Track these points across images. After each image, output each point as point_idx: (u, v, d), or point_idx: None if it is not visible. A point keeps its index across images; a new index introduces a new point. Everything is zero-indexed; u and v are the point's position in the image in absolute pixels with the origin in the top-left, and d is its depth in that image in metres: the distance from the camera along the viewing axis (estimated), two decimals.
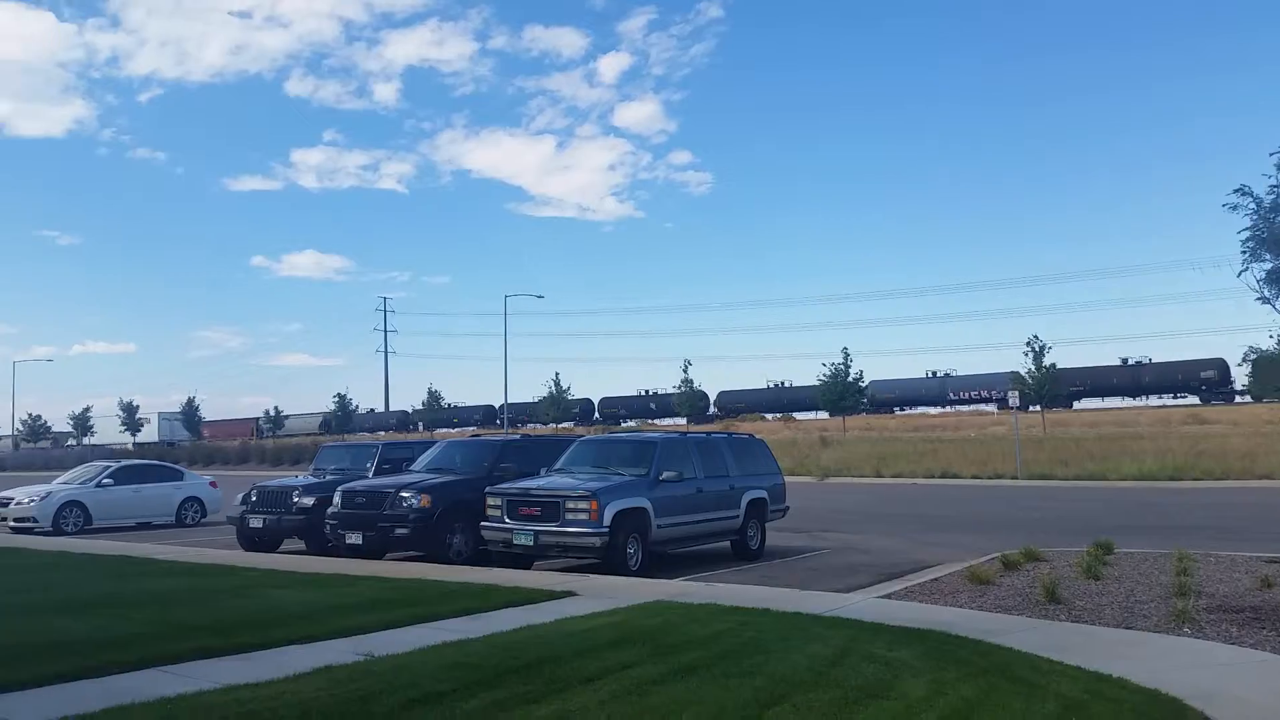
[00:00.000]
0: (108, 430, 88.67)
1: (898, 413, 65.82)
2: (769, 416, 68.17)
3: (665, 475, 12.97)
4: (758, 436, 16.68)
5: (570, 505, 12.11)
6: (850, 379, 55.53)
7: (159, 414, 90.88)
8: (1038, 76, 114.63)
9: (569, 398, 70.45)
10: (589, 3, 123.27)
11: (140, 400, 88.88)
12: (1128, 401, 61.00)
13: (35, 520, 20.37)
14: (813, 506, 22.93)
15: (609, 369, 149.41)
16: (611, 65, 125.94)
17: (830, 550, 15.22)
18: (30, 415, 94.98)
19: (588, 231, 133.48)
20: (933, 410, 65.58)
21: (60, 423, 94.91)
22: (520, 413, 73.56)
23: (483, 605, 9.12)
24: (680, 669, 6.29)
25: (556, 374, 72.47)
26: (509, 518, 12.61)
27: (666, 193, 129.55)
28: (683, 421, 65.40)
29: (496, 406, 74.57)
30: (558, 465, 13.94)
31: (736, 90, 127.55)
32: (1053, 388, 48.99)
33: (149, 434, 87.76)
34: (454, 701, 5.51)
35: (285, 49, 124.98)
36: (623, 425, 67.08)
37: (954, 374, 66.20)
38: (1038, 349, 48.48)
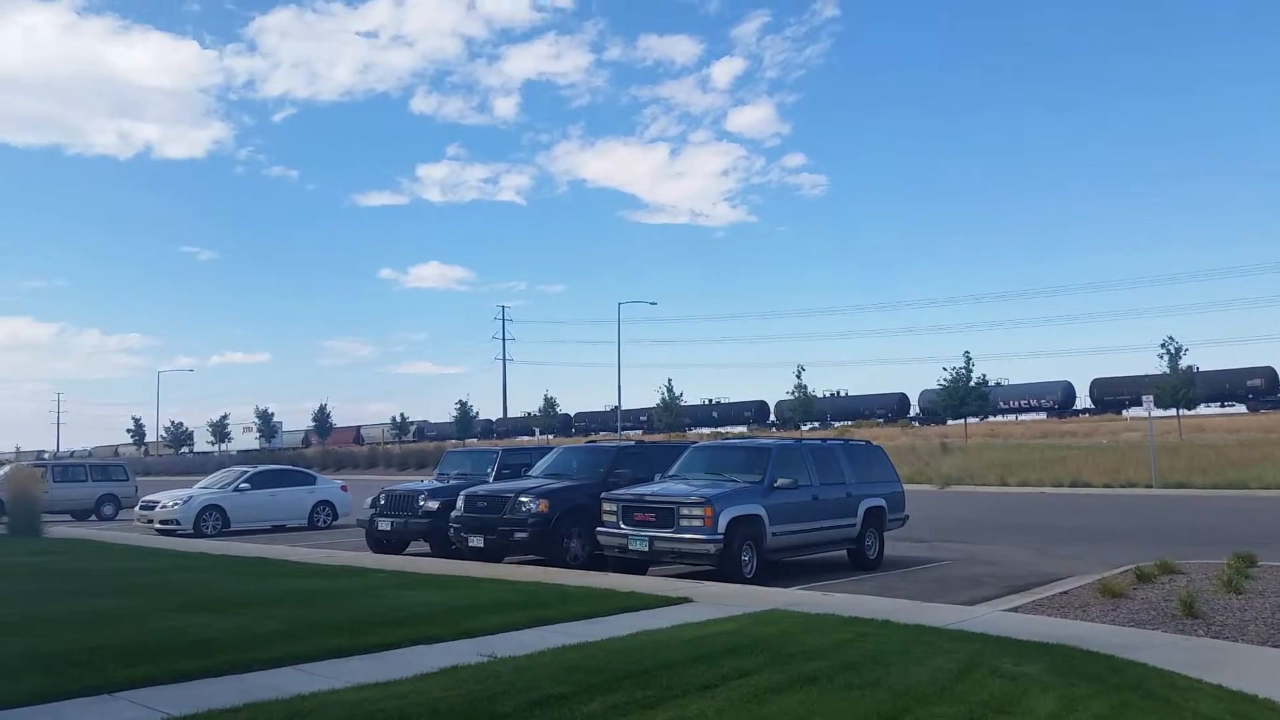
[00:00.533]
0: (238, 436, 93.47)
1: (1020, 419, 63.72)
2: (883, 422, 66.90)
3: (780, 482, 12.87)
4: (875, 443, 16.41)
5: (685, 511, 12.14)
6: (972, 383, 54.07)
7: (243, 426, 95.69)
8: (1169, 68, 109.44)
9: (682, 403, 70.53)
10: (703, 9, 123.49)
11: (275, 407, 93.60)
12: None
13: (178, 523, 21.51)
14: (933, 516, 22.39)
15: (723, 375, 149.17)
16: (725, 70, 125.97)
17: (952, 561, 14.84)
18: (173, 422, 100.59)
19: (700, 237, 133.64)
20: (1056, 416, 63.18)
21: (200, 429, 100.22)
22: (634, 419, 74.03)
23: (600, 610, 9.23)
24: (799, 678, 6.25)
25: (669, 380, 72.85)
26: (624, 523, 12.72)
27: (780, 196, 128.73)
28: (798, 428, 64.69)
29: (612, 410, 75.23)
30: (672, 472, 13.99)
31: (852, 90, 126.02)
32: (1189, 392, 46.64)
33: (245, 443, 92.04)
34: (574, 704, 5.60)
35: (410, 67, 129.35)
36: (734, 432, 66.82)
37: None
38: (1173, 351, 46.30)
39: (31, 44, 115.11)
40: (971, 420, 55.92)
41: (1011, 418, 61.68)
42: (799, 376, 62.82)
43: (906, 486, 16.29)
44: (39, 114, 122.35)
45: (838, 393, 73.38)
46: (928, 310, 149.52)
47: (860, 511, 14.09)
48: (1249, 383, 56.58)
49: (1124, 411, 59.37)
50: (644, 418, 73.67)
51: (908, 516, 15.60)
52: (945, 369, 55.18)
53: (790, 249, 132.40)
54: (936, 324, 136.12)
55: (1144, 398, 35.42)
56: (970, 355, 54.78)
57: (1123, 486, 32.65)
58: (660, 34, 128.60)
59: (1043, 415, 58.37)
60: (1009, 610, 9.83)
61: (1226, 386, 56.99)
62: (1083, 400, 65.10)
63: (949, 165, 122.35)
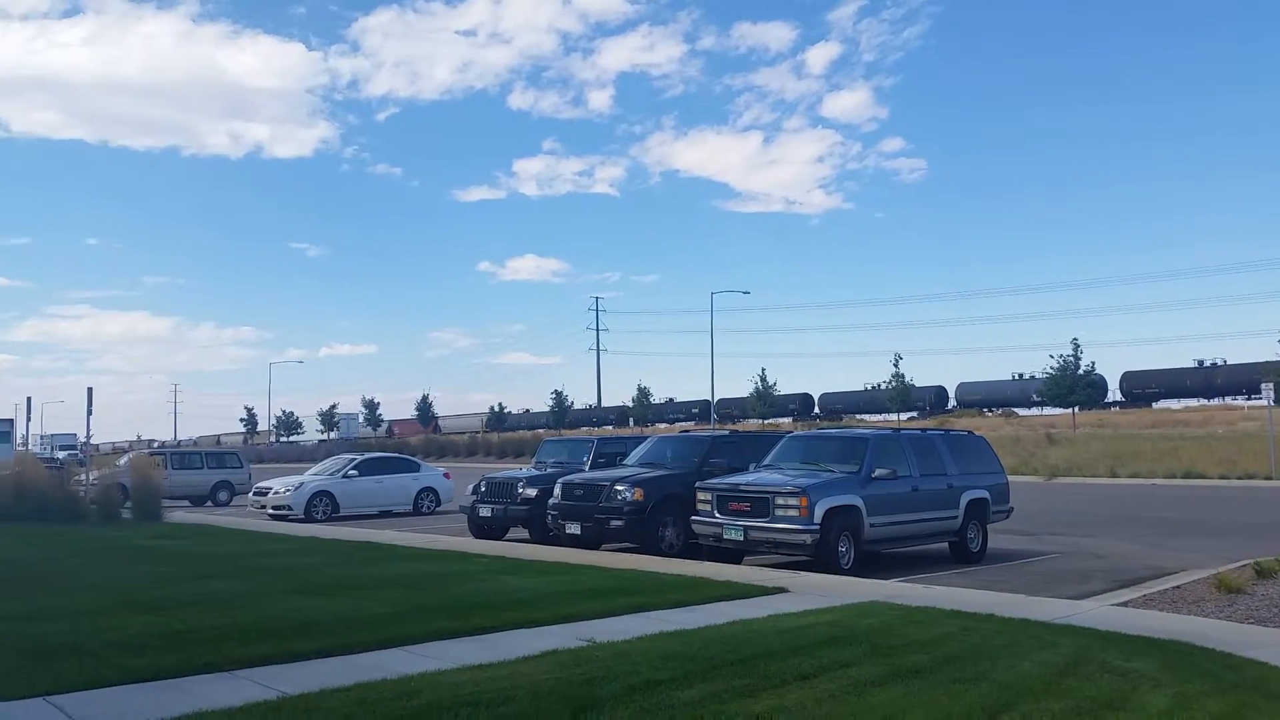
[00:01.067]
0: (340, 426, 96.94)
1: (1155, 406, 61.32)
2: (989, 412, 65.21)
3: (878, 473, 12.71)
4: (978, 433, 16.05)
5: (780, 501, 12.09)
6: (1081, 370, 52.34)
7: (342, 415, 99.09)
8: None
9: (777, 393, 70.01)
10: None
11: (380, 397, 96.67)
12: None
13: (290, 508, 22.33)
14: (1039, 508, 21.80)
15: (822, 363, 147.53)
16: (820, 55, 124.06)
17: (1059, 554, 14.44)
18: (284, 411, 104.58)
19: (794, 225, 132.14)
20: (1189, 403, 60.47)
21: (309, 418, 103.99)
22: (730, 408, 73.79)
23: (696, 598, 9.28)
24: (901, 671, 6.18)
25: (762, 369, 72.42)
26: (719, 512, 12.73)
27: (877, 182, 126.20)
28: (899, 418, 63.57)
29: (708, 401, 75.19)
30: (766, 461, 13.93)
31: (952, 72, 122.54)
32: None
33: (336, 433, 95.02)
34: (672, 690, 5.66)
35: (507, 64, 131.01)
36: (843, 421, 65.93)
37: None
38: None
39: (151, 52, 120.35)
40: (1079, 410, 54.07)
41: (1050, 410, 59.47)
42: (896, 365, 61.82)
43: (1011, 478, 15.89)
44: (157, 118, 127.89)
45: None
46: (1039, 295, 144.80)
47: (962, 503, 13.81)
48: None
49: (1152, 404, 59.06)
50: (736, 411, 73.30)
51: (1012, 508, 15.23)
52: (1053, 356, 53.61)
53: (887, 235, 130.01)
54: (1047, 310, 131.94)
55: (1264, 386, 33.74)
56: (1078, 342, 53.10)
57: (1239, 478, 31.24)
58: (754, 21, 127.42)
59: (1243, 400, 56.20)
60: (1118, 605, 9.55)
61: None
62: (1113, 393, 62.74)
63: (1053, 146, 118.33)
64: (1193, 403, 59.49)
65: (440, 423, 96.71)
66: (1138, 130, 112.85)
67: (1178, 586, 10.57)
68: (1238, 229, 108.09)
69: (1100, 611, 8.99)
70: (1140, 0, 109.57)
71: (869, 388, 72.12)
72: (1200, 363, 60.29)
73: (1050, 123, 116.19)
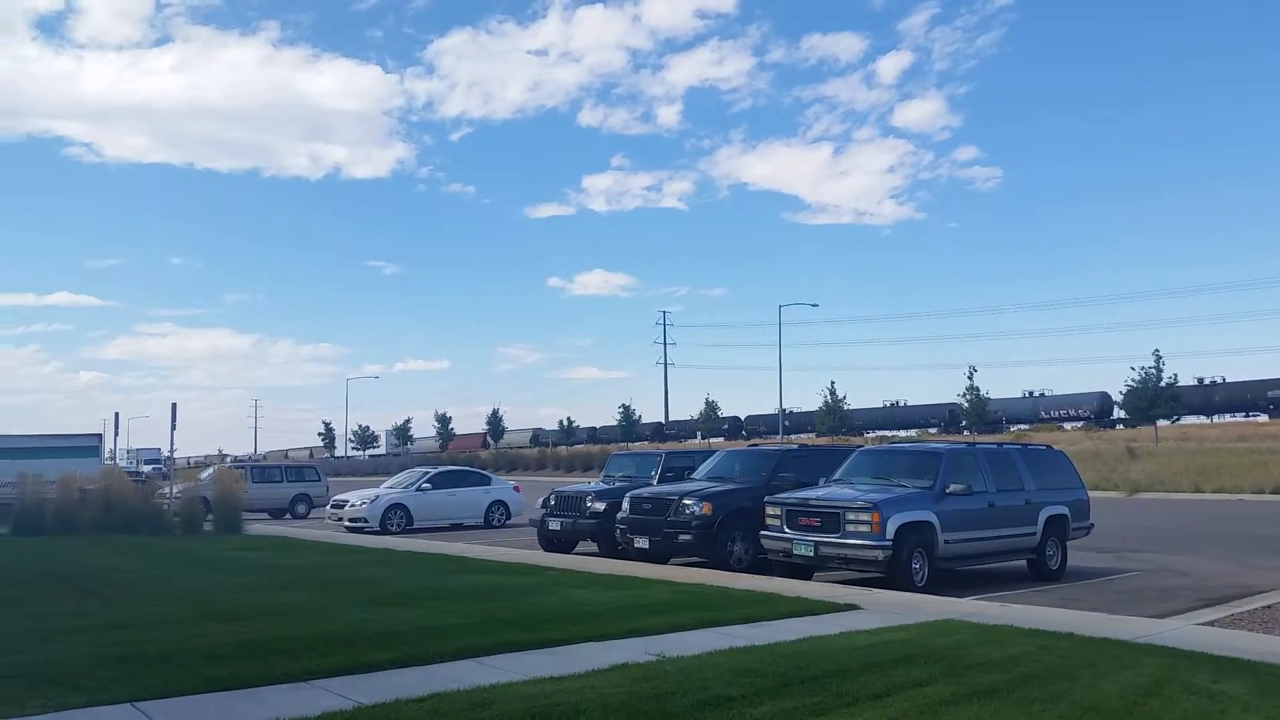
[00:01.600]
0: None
1: (1216, 420, 59.54)
2: (1068, 426, 63.63)
3: (952, 488, 12.47)
4: (1056, 447, 15.68)
5: (851, 517, 11.94)
6: (1163, 383, 50.82)
7: (385, 431, 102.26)
8: None
9: (845, 407, 69.25)
10: (868, 5, 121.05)
11: (452, 411, 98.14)
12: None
13: (366, 520, 22.75)
14: (1120, 524, 21.18)
15: (892, 376, 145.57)
16: (891, 65, 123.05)
17: (1141, 572, 14.01)
18: (360, 426, 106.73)
19: (865, 237, 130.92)
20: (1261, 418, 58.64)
21: (386, 432, 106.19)
22: (797, 422, 73.18)
23: (766, 613, 9.20)
24: (977, 691, 6.06)
25: (831, 383, 71.79)
26: (788, 528, 12.62)
27: (950, 191, 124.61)
28: (966, 432, 62.42)
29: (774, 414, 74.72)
30: (836, 476, 13.76)
31: (1027, 78, 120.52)
32: None
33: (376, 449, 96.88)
34: (743, 707, 5.62)
35: (577, 82, 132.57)
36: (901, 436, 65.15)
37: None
38: None
39: (234, 77, 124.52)
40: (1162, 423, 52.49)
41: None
42: (970, 378, 60.72)
43: (1091, 494, 15.47)
44: (240, 140, 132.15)
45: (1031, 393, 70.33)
46: (1119, 306, 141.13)
47: (1040, 519, 13.48)
48: None
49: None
50: (809, 426, 72.75)
51: (1092, 525, 14.82)
52: (1134, 369, 52.18)
53: (961, 246, 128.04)
54: (1127, 320, 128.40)
55: None
56: (1160, 354, 51.65)
57: None
58: (824, 33, 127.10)
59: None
60: (1204, 624, 9.24)
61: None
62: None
63: (1129, 154, 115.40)
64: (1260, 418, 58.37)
65: (505, 435, 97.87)
66: (1218, 135, 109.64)
67: (1268, 606, 10.20)
68: None
69: (1185, 631, 8.70)
70: (1220, 4, 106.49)
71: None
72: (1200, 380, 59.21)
73: (1126, 128, 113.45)
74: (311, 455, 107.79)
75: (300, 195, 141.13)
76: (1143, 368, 51.56)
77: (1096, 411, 66.82)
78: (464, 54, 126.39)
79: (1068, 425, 65.20)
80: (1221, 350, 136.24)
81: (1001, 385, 78.91)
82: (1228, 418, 58.51)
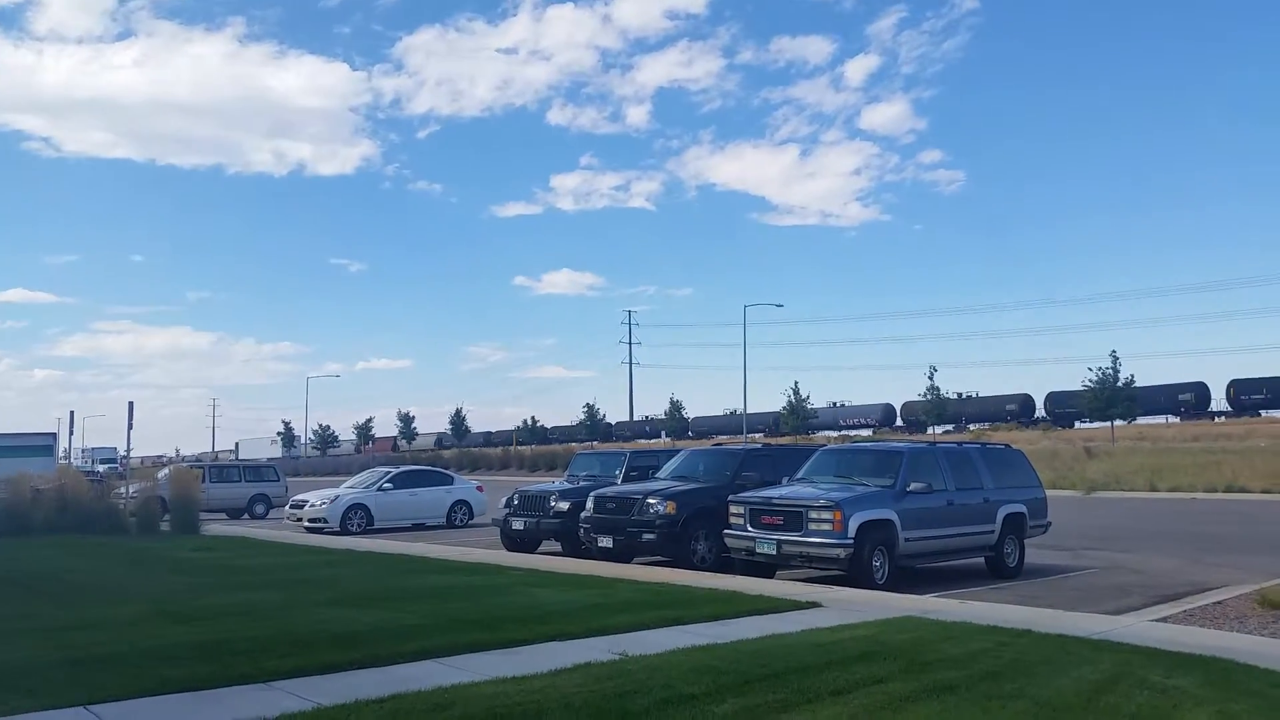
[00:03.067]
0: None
1: (1170, 421, 60.76)
2: (1024, 424, 64.55)
3: (913, 486, 12.59)
4: (1015, 446, 15.88)
5: (813, 515, 12.01)
6: (1120, 383, 51.63)
7: (307, 434, 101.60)
8: None
9: (809, 406, 69.64)
10: (837, 7, 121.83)
11: (415, 411, 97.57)
12: None
13: (326, 521, 22.51)
14: (1077, 523, 21.49)
15: (852, 377, 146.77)
16: (859, 68, 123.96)
17: (1096, 570, 14.23)
18: (320, 425, 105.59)
19: (831, 238, 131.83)
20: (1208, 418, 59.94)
21: (345, 432, 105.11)
22: (761, 422, 73.55)
23: (728, 611, 9.24)
24: (936, 687, 6.12)
25: (795, 383, 72.06)
26: (751, 526, 12.68)
27: (915, 194, 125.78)
28: (930, 430, 63.10)
29: (738, 414, 75.13)
30: (800, 475, 13.85)
31: (992, 84, 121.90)
32: None
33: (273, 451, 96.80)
34: (705, 704, 5.64)
35: (547, 80, 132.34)
36: (862, 436, 65.78)
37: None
38: None
39: (199, 72, 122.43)
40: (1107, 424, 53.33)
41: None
42: (931, 378, 61.30)
43: (1048, 492, 15.69)
44: (204, 136, 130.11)
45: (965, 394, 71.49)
46: (1075, 308, 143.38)
47: (999, 518, 13.65)
48: None
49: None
50: (761, 426, 73.34)
51: (1050, 523, 15.03)
52: (1090, 369, 52.97)
53: (925, 248, 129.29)
54: (1082, 323, 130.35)
55: None
56: (1117, 354, 52.42)
57: None
58: (793, 35, 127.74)
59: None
60: (1158, 620, 9.40)
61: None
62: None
63: (1091, 159, 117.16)
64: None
65: (397, 442, 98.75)
66: (1178, 144, 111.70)
67: (1219, 602, 10.39)
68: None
69: (1140, 627, 8.85)
70: (1185, 16, 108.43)
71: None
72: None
73: (1089, 133, 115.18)
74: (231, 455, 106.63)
75: (264, 192, 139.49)
76: (1100, 368, 52.37)
77: (880, 421, 71.60)
78: (432, 51, 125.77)
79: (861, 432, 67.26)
80: (1164, 353, 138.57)
81: (964, 385, 79.85)
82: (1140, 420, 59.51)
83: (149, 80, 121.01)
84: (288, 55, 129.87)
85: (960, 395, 69.49)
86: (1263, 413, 59.20)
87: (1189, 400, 61.68)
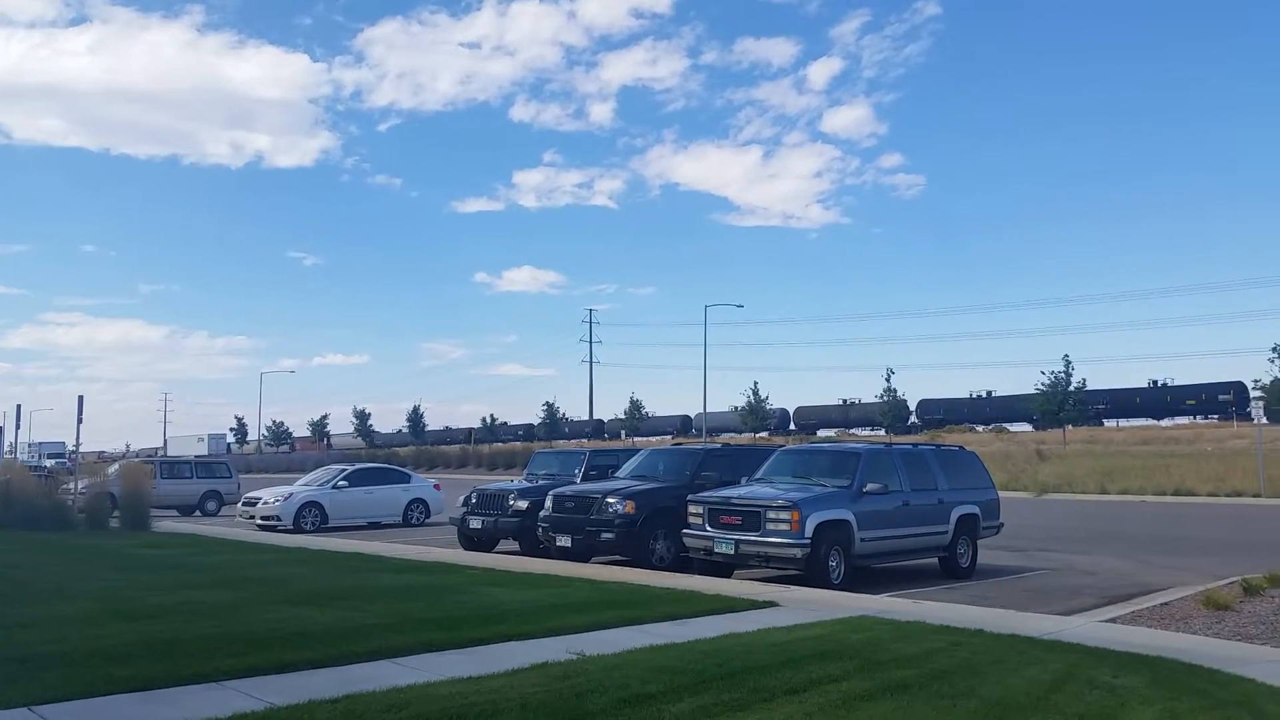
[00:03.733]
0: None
1: (1106, 424, 61.94)
2: (979, 428, 65.41)
3: (869, 487, 12.72)
4: (968, 448, 16.09)
5: (771, 515, 12.09)
6: (1072, 387, 52.52)
7: (209, 435, 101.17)
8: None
9: (767, 407, 70.10)
10: (801, 10, 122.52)
11: (371, 408, 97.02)
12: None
13: (279, 519, 22.18)
14: (1028, 524, 21.83)
15: (811, 378, 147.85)
16: (822, 71, 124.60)
17: (1048, 571, 14.47)
18: (274, 421, 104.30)
19: (792, 240, 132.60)
20: (1158, 421, 61.18)
21: (300, 428, 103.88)
22: (720, 422, 73.86)
23: (686, 611, 9.27)
24: (890, 686, 6.19)
25: (755, 383, 72.53)
26: (710, 526, 12.73)
27: (875, 197, 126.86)
28: (883, 432, 63.77)
29: (693, 416, 75.37)
30: (758, 475, 13.93)
31: (952, 89, 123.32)
32: None
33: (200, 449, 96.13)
34: (662, 704, 5.65)
35: (511, 76, 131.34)
36: (819, 435, 66.27)
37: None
38: None
39: (156, 60, 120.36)
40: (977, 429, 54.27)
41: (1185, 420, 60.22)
42: (888, 380, 61.97)
43: (1001, 494, 15.93)
44: (160, 126, 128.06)
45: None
46: (1031, 312, 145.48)
47: (953, 518, 13.83)
48: None
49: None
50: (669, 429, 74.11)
51: (1002, 524, 15.26)
52: (1043, 373, 53.83)
53: (884, 251, 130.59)
54: (1038, 327, 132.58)
55: (1253, 404, 33.93)
56: (1070, 359, 53.32)
57: (1229, 496, 31.36)
58: (757, 36, 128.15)
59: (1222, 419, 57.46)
60: (1107, 621, 9.57)
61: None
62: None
63: (1051, 165, 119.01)
64: (1140, 421, 61.12)
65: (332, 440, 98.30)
66: (1136, 150, 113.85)
67: (1166, 603, 10.60)
68: (1241, 251, 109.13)
69: (1089, 628, 9.01)
70: (1138, 25, 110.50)
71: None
72: (1153, 382, 62.12)
73: (1048, 139, 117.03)
74: (227, 449, 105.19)
75: (221, 184, 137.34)
76: (1053, 372, 53.24)
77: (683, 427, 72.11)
78: (395, 44, 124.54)
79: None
80: (1125, 357, 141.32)
81: (923, 387, 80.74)
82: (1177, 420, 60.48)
83: (104, 68, 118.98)
84: (247, 45, 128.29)
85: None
86: (1104, 422, 61.36)
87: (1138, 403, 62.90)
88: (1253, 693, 6.29)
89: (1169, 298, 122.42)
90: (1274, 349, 44.41)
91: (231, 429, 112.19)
